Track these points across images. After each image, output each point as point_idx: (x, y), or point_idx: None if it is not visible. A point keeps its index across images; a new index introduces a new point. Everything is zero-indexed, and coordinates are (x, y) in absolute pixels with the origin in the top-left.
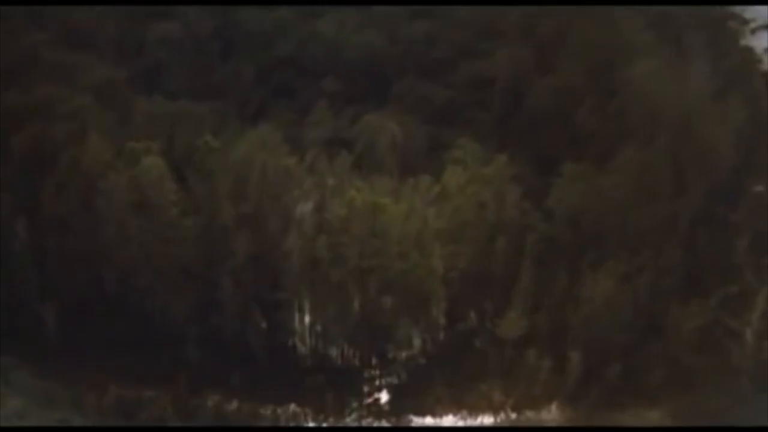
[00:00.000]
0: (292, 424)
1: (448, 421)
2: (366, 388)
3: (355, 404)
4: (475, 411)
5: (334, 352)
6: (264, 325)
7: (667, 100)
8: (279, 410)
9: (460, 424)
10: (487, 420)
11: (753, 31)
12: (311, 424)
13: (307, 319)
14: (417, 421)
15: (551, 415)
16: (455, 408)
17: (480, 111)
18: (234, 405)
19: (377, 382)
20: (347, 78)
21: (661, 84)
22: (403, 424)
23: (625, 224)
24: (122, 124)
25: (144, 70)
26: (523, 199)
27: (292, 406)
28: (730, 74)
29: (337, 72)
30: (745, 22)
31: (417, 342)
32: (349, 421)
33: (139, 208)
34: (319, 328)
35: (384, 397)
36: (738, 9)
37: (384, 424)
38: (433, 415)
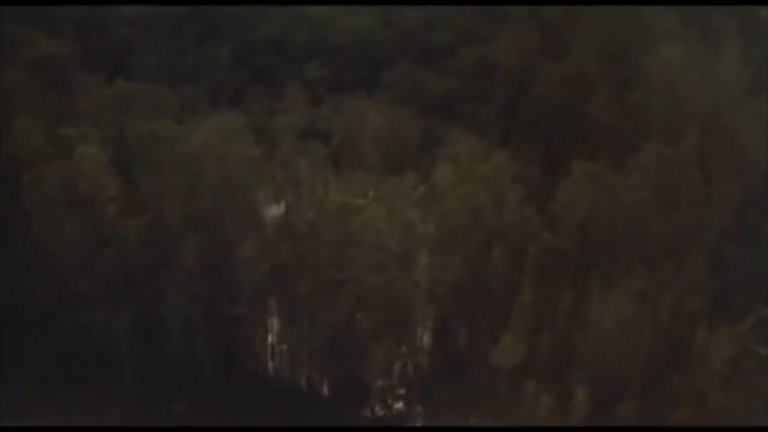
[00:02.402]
0: None
1: None
2: (335, 422)
3: None
4: None
5: (298, 378)
6: (216, 345)
7: (693, 92)
8: None
9: None
10: None
11: None
12: None
13: (267, 339)
14: None
15: None
16: None
17: (480, 102)
18: None
19: (348, 414)
20: (334, 63)
21: (687, 73)
22: None
23: (643, 234)
24: (64, 107)
25: (108, 51)
26: (524, 202)
27: None
28: (763, 65)
29: (323, 57)
30: None
31: (396, 368)
32: None
33: (74, 205)
34: (281, 349)
35: None
36: None
37: None
38: None
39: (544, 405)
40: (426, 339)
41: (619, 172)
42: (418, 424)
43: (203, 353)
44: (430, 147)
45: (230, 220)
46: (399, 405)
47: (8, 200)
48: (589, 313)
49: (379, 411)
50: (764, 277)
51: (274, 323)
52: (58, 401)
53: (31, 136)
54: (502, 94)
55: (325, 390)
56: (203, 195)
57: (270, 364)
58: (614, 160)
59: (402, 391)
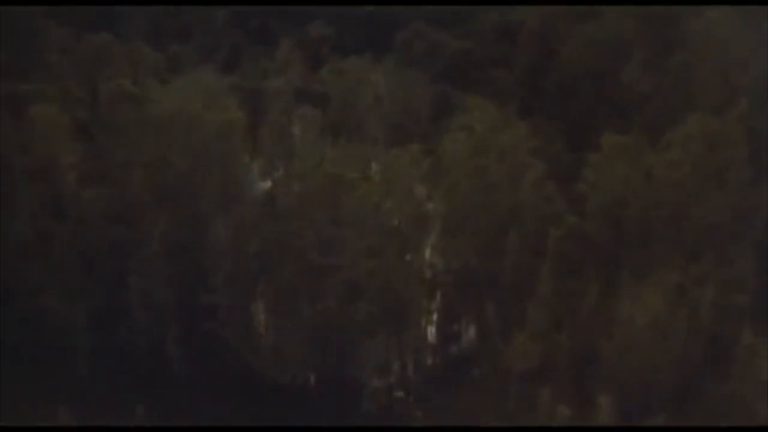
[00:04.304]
0: None
1: None
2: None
3: None
4: None
5: (283, 376)
6: (189, 337)
7: (742, 57)
8: None
9: None
10: None
11: None
12: None
13: (247, 331)
14: None
15: None
16: None
17: (501, 67)
18: None
19: (339, 417)
20: (341, 23)
21: (736, 36)
22: None
23: (682, 219)
24: (27, 60)
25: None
26: (545, 179)
27: None
28: None
29: (330, 16)
30: None
31: (395, 367)
32: None
33: (28, 173)
34: (263, 344)
35: None
36: None
37: None
38: None
39: (561, 414)
40: (429, 335)
41: (656, 148)
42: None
43: (173, 347)
44: (443, 116)
45: (206, 195)
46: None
47: None
48: (618, 309)
49: (374, 413)
50: None
51: (256, 313)
52: (8, 398)
53: None
54: (526, 58)
55: (314, 390)
56: (175, 164)
57: (250, 360)
58: (650, 134)
59: (400, 393)
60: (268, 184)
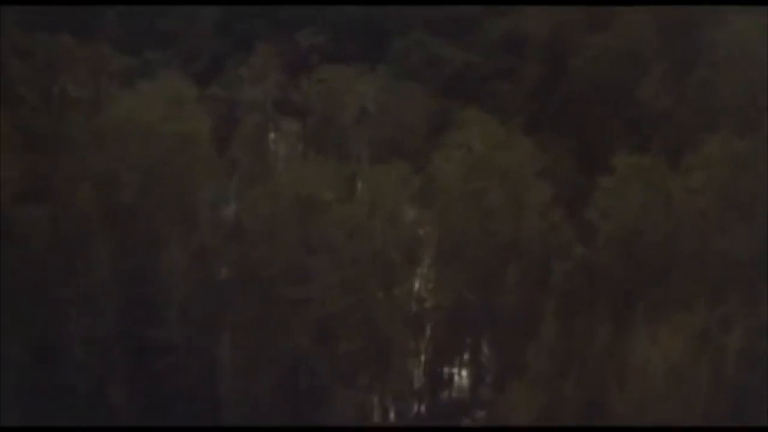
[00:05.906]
0: None
1: None
2: None
3: None
4: None
5: (244, 424)
6: (135, 378)
7: None
8: None
9: None
10: None
11: None
12: None
13: (203, 372)
14: None
15: None
16: None
17: (506, 80)
18: None
19: None
20: (333, 31)
21: (764, 49)
22: None
23: (705, 252)
24: None
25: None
26: (552, 204)
27: None
28: None
29: (320, 22)
30: None
31: (375, 416)
32: None
33: None
34: (221, 386)
35: None
36: None
37: None
38: None
39: None
40: (415, 379)
41: (676, 171)
42: None
43: (117, 389)
44: (439, 132)
45: (161, 215)
46: None
47: None
48: (631, 354)
49: None
50: None
51: (215, 352)
52: None
53: None
54: (533, 71)
55: None
56: (128, 180)
57: (208, 404)
58: (669, 155)
59: None
60: (233, 205)
